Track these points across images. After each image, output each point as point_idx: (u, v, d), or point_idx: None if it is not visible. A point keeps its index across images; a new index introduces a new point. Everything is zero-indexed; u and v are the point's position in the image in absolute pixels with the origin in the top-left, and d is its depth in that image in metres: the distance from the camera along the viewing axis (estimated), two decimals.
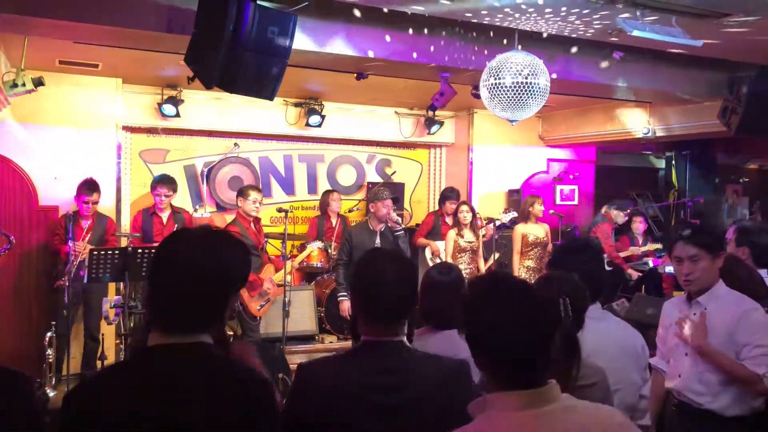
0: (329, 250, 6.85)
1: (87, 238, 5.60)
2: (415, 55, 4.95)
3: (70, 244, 5.40)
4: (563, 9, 4.28)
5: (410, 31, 4.87)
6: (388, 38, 4.86)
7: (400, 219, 5.79)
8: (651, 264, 7.51)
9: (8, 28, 4.44)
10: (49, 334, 5.19)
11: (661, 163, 10.32)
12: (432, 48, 4.99)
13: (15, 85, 5.04)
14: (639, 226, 7.87)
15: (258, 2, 3.92)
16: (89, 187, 5.70)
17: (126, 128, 6.87)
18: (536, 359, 1.42)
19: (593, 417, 1.44)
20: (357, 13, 4.61)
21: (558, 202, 8.71)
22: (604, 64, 5.47)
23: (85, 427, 1.43)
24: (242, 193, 5.75)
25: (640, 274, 7.43)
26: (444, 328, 2.47)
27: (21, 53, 4.95)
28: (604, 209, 7.84)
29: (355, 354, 1.91)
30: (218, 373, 1.51)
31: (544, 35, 4.94)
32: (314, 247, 6.63)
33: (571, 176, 8.89)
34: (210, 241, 1.58)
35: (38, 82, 5.12)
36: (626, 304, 6.10)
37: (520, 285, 1.56)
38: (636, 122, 7.57)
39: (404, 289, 1.89)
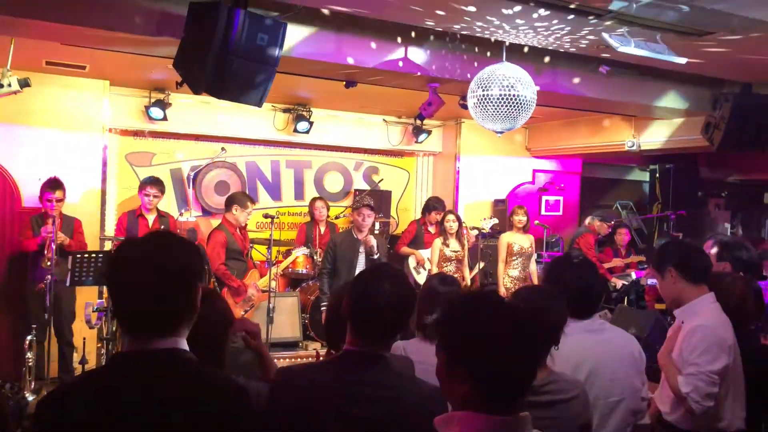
0: (315, 257, 6.84)
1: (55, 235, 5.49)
2: (402, 64, 4.99)
3: (43, 232, 5.34)
4: (552, 24, 4.33)
5: (399, 40, 4.90)
6: (376, 47, 4.89)
7: (374, 246, 5.70)
8: (634, 276, 7.59)
9: None
10: (29, 337, 5.13)
11: (646, 176, 10.44)
12: (421, 58, 5.03)
13: (0, 86, 4.99)
14: (623, 237, 7.95)
15: (248, 9, 3.93)
16: (51, 184, 5.59)
17: (112, 130, 6.83)
18: (526, 385, 1.41)
19: None
20: (347, 21, 4.63)
21: (543, 212, 8.78)
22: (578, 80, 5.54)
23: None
24: (240, 202, 5.75)
25: (625, 283, 7.50)
26: (432, 339, 2.47)
27: (7, 54, 4.90)
28: (587, 220, 7.91)
29: (335, 362, 1.91)
30: (193, 380, 1.50)
31: (529, 49, 5.00)
32: (299, 254, 6.63)
33: (557, 187, 8.96)
34: (161, 240, 1.61)
35: (24, 83, 5.07)
36: (609, 315, 6.16)
37: (522, 307, 1.57)
38: (621, 135, 7.65)
39: (400, 312, 1.90)
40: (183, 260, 1.55)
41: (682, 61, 4.53)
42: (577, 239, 7.70)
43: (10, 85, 4.98)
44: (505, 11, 4.15)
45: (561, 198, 9.02)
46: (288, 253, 6.86)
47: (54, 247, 5.19)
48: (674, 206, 9.03)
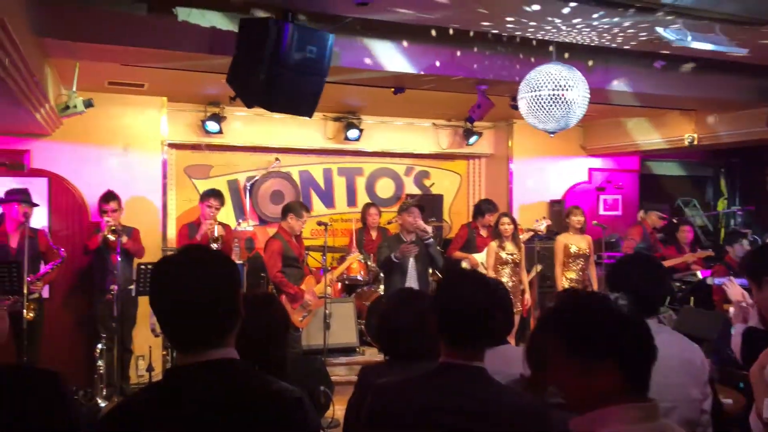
0: (369, 263, 6.89)
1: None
2: (451, 68, 4.98)
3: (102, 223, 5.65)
4: (605, 20, 4.25)
5: (447, 44, 4.90)
6: (425, 53, 4.90)
7: (429, 228, 5.82)
8: (699, 275, 7.30)
9: (61, 53, 4.64)
10: (99, 346, 5.37)
11: (709, 171, 10.05)
12: (469, 61, 5.01)
13: (67, 107, 5.25)
14: (686, 235, 7.66)
15: (296, 23, 4.01)
16: (105, 197, 5.85)
17: (171, 145, 7.07)
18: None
19: None
20: (393, 28, 4.66)
21: (601, 212, 8.56)
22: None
23: None
24: (295, 211, 5.86)
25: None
26: (493, 345, 2.45)
27: (73, 76, 5.16)
28: (640, 214, 7.68)
29: (433, 376, 1.89)
30: (247, 391, 1.50)
31: (579, 47, 4.91)
32: (353, 259, 6.67)
33: (615, 186, 8.73)
34: (196, 253, 1.60)
35: (88, 104, 5.32)
36: (673, 317, 5.95)
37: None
38: (680, 130, 7.40)
39: (491, 316, 1.89)
40: (221, 269, 1.56)
41: (743, 51, 4.36)
42: (627, 230, 7.48)
43: (76, 106, 5.25)
44: (561, 11, 4.10)
45: (620, 197, 8.78)
46: (342, 260, 6.93)
47: (116, 241, 5.47)
48: (741, 202, 8.66)
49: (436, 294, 1.99)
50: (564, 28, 4.44)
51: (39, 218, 5.89)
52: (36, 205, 5.49)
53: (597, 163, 8.75)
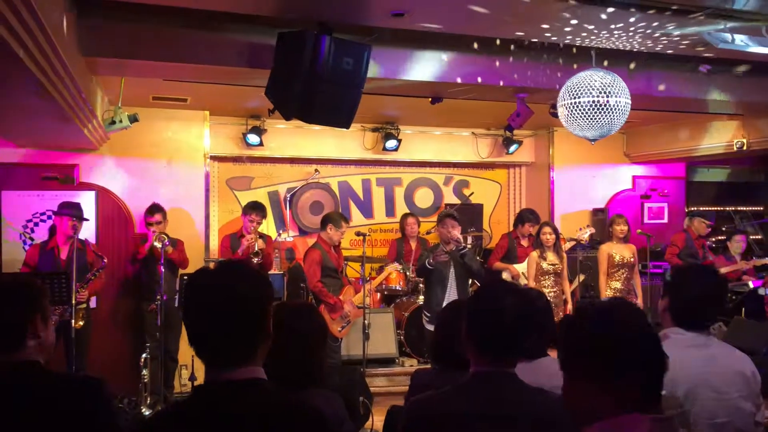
0: (407, 273, 6.87)
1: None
2: (489, 77, 4.95)
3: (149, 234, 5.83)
4: (646, 25, 4.16)
5: (485, 53, 4.87)
6: (462, 62, 4.89)
7: (461, 237, 5.77)
8: (751, 285, 7.04)
9: (107, 70, 4.80)
10: (144, 355, 5.49)
11: (762, 177, 9.68)
12: (507, 69, 4.97)
13: (113, 122, 5.41)
14: (738, 245, 7.38)
15: (333, 35, 4.05)
16: (149, 209, 6.04)
17: (213, 158, 7.21)
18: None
19: None
20: (429, 38, 4.66)
21: (646, 220, 8.35)
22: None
23: None
24: (334, 222, 5.90)
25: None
26: (532, 358, 2.43)
27: (118, 92, 5.32)
28: (685, 222, 7.45)
29: (467, 387, 1.89)
30: (271, 410, 1.50)
31: (620, 52, 4.81)
32: (391, 269, 6.66)
33: (660, 193, 8.51)
34: (230, 268, 1.60)
35: (133, 119, 5.48)
36: (723, 328, 5.75)
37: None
38: (728, 135, 7.17)
39: (524, 325, 1.89)
40: (254, 287, 1.55)
41: None
42: (672, 237, 7.26)
43: (121, 121, 5.41)
44: (601, 16, 4.04)
45: (665, 205, 8.55)
46: (380, 270, 6.93)
47: (160, 250, 5.59)
48: None
49: (470, 302, 1.98)
50: (603, 33, 4.37)
51: (87, 230, 6.07)
52: (86, 219, 5.66)
53: (641, 170, 8.54)
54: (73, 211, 5.46)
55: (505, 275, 6.97)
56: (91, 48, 4.07)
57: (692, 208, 8.40)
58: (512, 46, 4.86)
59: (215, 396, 1.50)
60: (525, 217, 6.98)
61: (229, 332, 1.49)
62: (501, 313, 1.85)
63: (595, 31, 4.31)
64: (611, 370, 1.38)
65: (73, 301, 5.05)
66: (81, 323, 5.29)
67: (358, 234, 6.35)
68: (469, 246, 5.91)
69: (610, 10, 3.91)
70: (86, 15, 3.97)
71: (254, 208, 6.22)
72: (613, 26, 4.20)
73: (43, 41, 2.85)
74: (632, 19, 4.05)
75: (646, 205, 8.43)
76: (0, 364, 1.90)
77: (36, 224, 6.23)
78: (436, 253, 5.64)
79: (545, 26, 4.24)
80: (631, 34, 4.36)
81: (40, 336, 1.95)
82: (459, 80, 4.92)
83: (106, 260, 5.49)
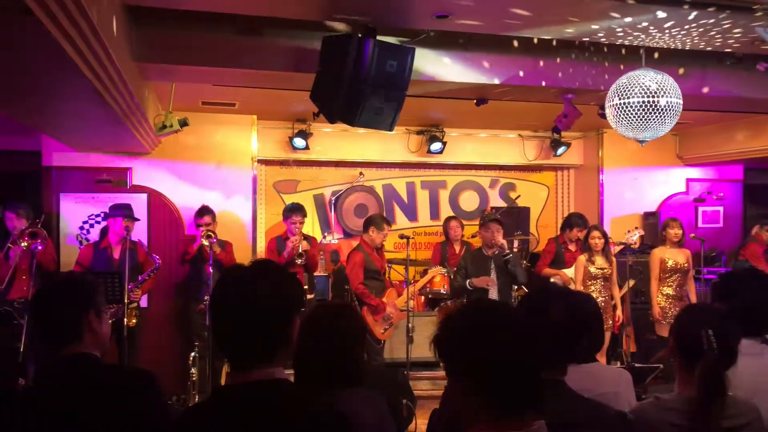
0: (452, 276, 6.82)
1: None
2: (535, 78, 4.88)
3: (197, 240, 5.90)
4: (701, 22, 4.03)
5: (530, 54, 4.81)
6: (507, 63, 4.84)
7: (505, 243, 5.72)
8: None
9: (159, 76, 4.94)
10: (192, 354, 5.61)
11: None
12: (553, 70, 4.89)
13: (164, 127, 5.57)
14: None
15: (377, 38, 4.07)
16: (198, 212, 6.15)
17: (260, 161, 7.33)
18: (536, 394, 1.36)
19: None
20: (473, 39, 4.63)
21: (700, 225, 8.08)
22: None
23: None
24: (377, 224, 5.92)
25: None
26: (579, 362, 2.38)
27: (169, 97, 5.48)
28: (754, 230, 7.17)
29: None
30: (293, 411, 1.52)
31: (671, 51, 4.67)
32: (435, 272, 6.63)
33: (715, 197, 8.22)
34: (257, 274, 1.59)
35: (183, 123, 5.62)
36: None
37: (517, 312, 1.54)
38: None
39: (574, 330, 1.87)
40: (276, 286, 1.56)
41: None
42: (741, 250, 6.98)
43: (172, 125, 5.56)
44: (656, 15, 3.93)
45: (721, 208, 8.25)
46: (425, 273, 6.90)
47: (209, 249, 5.68)
48: None
49: (518, 307, 1.96)
50: (655, 32, 4.25)
51: (139, 231, 6.27)
52: (137, 219, 5.84)
53: (695, 173, 8.27)
54: (124, 212, 5.64)
55: (555, 281, 6.85)
56: (143, 54, 4.20)
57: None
58: (558, 47, 4.79)
59: (234, 397, 1.52)
60: (573, 221, 6.83)
61: (246, 330, 1.51)
62: (549, 317, 1.82)
63: (648, 29, 4.19)
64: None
65: (125, 300, 5.21)
66: (134, 321, 5.46)
67: (401, 237, 6.35)
68: (513, 251, 5.85)
69: (665, 8, 3.80)
70: (138, 22, 4.10)
71: (293, 210, 6.29)
72: (666, 24, 4.09)
73: (97, 48, 2.95)
74: (690, 17, 3.92)
75: (701, 208, 8.16)
76: (59, 357, 2.02)
77: (91, 226, 6.47)
78: (479, 281, 5.65)
79: (595, 26, 4.15)
80: (684, 32, 4.23)
81: (95, 330, 2.05)
82: (502, 81, 4.87)
83: (159, 261, 5.64)
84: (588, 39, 4.57)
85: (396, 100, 4.25)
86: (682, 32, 4.22)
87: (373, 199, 7.93)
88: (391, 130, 4.42)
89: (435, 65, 4.70)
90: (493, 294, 5.75)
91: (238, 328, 1.52)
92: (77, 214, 6.45)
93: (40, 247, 5.36)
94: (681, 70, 4.99)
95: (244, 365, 1.53)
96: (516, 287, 6.11)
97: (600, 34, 4.33)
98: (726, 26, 4.10)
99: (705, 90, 5.15)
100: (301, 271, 6.19)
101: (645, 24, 4.09)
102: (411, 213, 8.18)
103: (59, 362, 2.02)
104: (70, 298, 2.06)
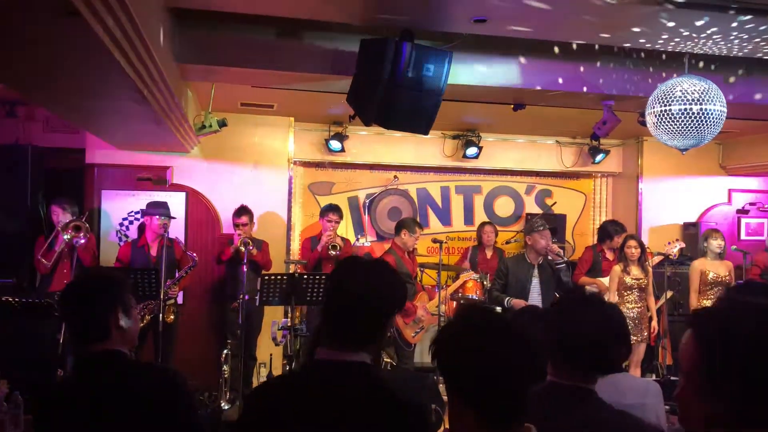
0: (485, 282, 6.76)
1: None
2: (574, 84, 4.82)
3: (234, 241, 5.98)
4: (748, 29, 3.93)
5: (569, 59, 4.75)
6: (546, 68, 4.79)
7: (561, 251, 5.59)
8: None
9: (199, 77, 5.04)
10: (225, 351, 5.69)
11: None
12: (592, 76, 4.83)
13: (203, 127, 5.67)
14: None
15: (415, 41, 4.07)
16: (236, 211, 6.20)
17: (297, 163, 7.40)
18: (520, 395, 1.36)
19: None
20: (511, 44, 4.59)
21: (743, 237, 7.85)
22: None
23: (254, 421, 1.68)
24: (408, 227, 5.92)
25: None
26: (604, 372, 2.34)
27: (209, 98, 5.57)
28: None
29: (541, 396, 1.83)
30: (376, 392, 1.62)
31: (715, 58, 4.56)
32: (468, 277, 6.58)
33: (760, 208, 7.98)
34: (375, 268, 1.76)
35: (222, 123, 5.72)
36: None
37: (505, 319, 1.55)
38: None
39: (605, 338, 1.85)
40: (389, 288, 1.71)
41: None
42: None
43: (211, 125, 5.65)
44: (698, 23, 3.85)
45: (765, 221, 8.00)
46: (457, 278, 6.86)
47: (244, 252, 5.72)
48: None
49: (551, 314, 1.94)
50: (698, 38, 4.15)
51: (176, 230, 6.38)
52: (174, 218, 5.95)
53: (738, 183, 8.05)
54: (161, 210, 5.75)
55: (591, 289, 6.73)
56: (184, 55, 4.29)
57: None
58: (599, 52, 4.72)
59: (322, 371, 1.66)
60: (611, 229, 6.67)
61: (349, 314, 1.65)
62: (581, 329, 1.81)
63: (691, 35, 4.10)
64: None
65: (162, 296, 5.31)
66: (172, 317, 5.56)
67: (434, 241, 6.33)
68: (565, 261, 5.70)
69: (710, 13, 3.72)
70: (180, 24, 4.19)
71: (330, 209, 6.34)
72: (710, 30, 3.99)
73: (140, 48, 3.03)
74: (734, 24, 3.82)
75: (744, 220, 7.93)
76: (87, 354, 2.05)
77: (131, 222, 6.62)
78: (518, 302, 5.52)
79: (636, 29, 4.07)
80: (730, 38, 4.12)
81: (123, 327, 2.07)
82: (542, 87, 4.82)
83: (196, 258, 5.73)
84: (629, 45, 4.50)
85: (432, 103, 4.24)
86: (725, 39, 4.12)
87: (407, 203, 7.92)
88: (426, 133, 4.42)
89: (472, 69, 4.68)
90: (535, 301, 5.64)
91: (348, 310, 1.66)
92: (117, 211, 6.61)
93: (82, 241, 5.52)
94: (731, 79, 4.86)
95: (340, 345, 1.65)
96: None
97: (642, 40, 4.26)
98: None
99: (756, 94, 5.01)
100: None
101: (688, 32, 4.01)
102: (445, 218, 8.15)
103: (87, 359, 2.06)
104: (97, 297, 2.08)
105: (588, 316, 1.84)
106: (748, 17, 3.77)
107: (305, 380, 1.68)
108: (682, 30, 4.00)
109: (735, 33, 4.03)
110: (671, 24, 3.91)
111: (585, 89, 4.84)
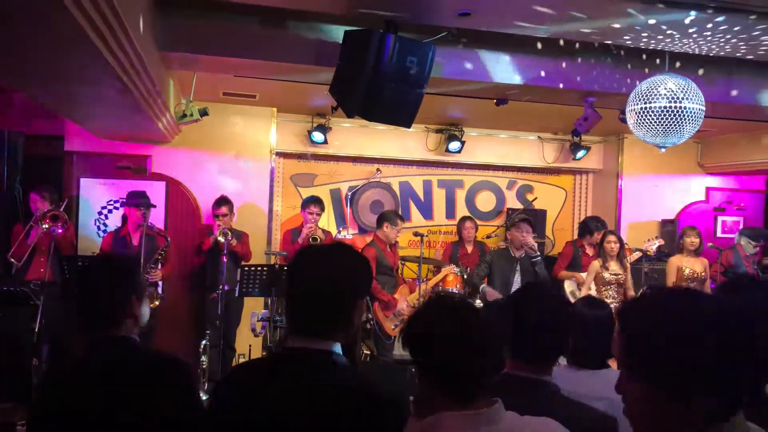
0: (465, 276, 6.79)
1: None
2: (556, 79, 4.84)
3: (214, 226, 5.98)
4: (727, 29, 3.97)
5: (552, 55, 4.77)
6: (529, 64, 4.81)
7: (536, 245, 5.70)
8: None
9: (182, 66, 4.98)
10: (204, 342, 5.66)
11: None
12: (574, 72, 4.85)
13: (184, 116, 5.62)
14: None
15: (399, 34, 4.06)
16: (216, 202, 6.17)
17: (279, 154, 7.37)
18: (483, 375, 1.48)
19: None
20: (495, 39, 4.60)
21: (719, 234, 7.98)
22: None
23: (222, 411, 1.68)
24: (390, 220, 5.93)
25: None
26: (591, 367, 2.38)
27: (190, 87, 5.52)
28: (736, 238, 7.04)
29: (500, 388, 1.89)
30: (338, 380, 1.61)
31: (695, 57, 4.61)
32: (449, 271, 6.61)
33: (736, 207, 8.11)
34: (332, 253, 1.75)
35: (203, 113, 5.67)
36: None
37: (466, 301, 1.65)
38: None
39: (556, 331, 1.90)
40: (352, 273, 1.69)
41: None
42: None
43: (192, 114, 5.61)
44: (683, 21, 3.88)
45: (741, 219, 8.14)
46: (438, 271, 6.89)
47: (224, 243, 5.69)
48: None
49: (508, 303, 1.99)
50: (680, 37, 4.19)
51: (156, 219, 6.32)
52: (154, 206, 5.89)
53: (716, 181, 8.18)
54: (139, 200, 5.69)
55: (567, 285, 6.81)
56: (166, 42, 4.24)
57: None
58: (581, 49, 4.75)
59: (286, 359, 1.65)
60: (592, 225, 6.75)
61: (313, 301, 1.64)
62: (535, 321, 1.86)
63: (673, 34, 4.14)
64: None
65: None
66: (156, 302, 5.50)
67: (415, 234, 6.34)
68: (540, 255, 5.86)
69: (693, 13, 3.75)
70: (162, 11, 4.14)
71: (312, 201, 6.33)
72: (692, 29, 4.03)
73: (120, 34, 2.99)
74: (718, 20, 3.85)
75: (720, 218, 8.06)
76: (102, 339, 2.04)
77: (110, 211, 6.55)
78: (490, 294, 5.66)
79: (616, 25, 4.10)
80: (708, 38, 4.17)
81: (136, 314, 2.08)
82: (525, 82, 4.84)
83: (169, 239, 5.69)
84: (611, 42, 4.53)
85: (415, 97, 4.24)
86: (705, 38, 4.16)
87: (389, 196, 7.93)
88: (408, 126, 4.42)
89: (456, 63, 4.69)
90: None
91: (306, 298, 1.65)
92: (97, 199, 6.53)
93: (60, 230, 5.45)
94: (712, 73, 4.91)
95: (305, 333, 1.64)
96: None
97: (625, 37, 4.29)
98: (754, 33, 4.04)
99: (734, 93, 5.07)
100: None
101: (670, 30, 4.04)
102: (427, 211, 8.17)
103: (99, 344, 2.04)
104: (115, 284, 2.07)
105: (533, 306, 1.90)
106: (728, 16, 3.81)
107: (270, 368, 1.69)
108: (664, 27, 4.03)
109: (712, 32, 4.07)
110: (652, 21, 3.94)
111: (561, 85, 4.86)
